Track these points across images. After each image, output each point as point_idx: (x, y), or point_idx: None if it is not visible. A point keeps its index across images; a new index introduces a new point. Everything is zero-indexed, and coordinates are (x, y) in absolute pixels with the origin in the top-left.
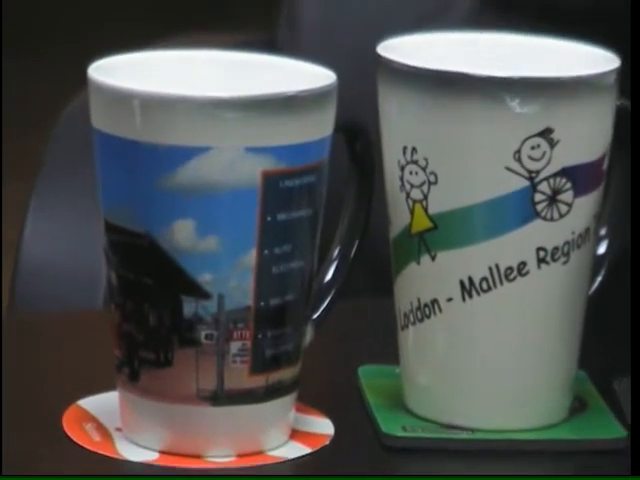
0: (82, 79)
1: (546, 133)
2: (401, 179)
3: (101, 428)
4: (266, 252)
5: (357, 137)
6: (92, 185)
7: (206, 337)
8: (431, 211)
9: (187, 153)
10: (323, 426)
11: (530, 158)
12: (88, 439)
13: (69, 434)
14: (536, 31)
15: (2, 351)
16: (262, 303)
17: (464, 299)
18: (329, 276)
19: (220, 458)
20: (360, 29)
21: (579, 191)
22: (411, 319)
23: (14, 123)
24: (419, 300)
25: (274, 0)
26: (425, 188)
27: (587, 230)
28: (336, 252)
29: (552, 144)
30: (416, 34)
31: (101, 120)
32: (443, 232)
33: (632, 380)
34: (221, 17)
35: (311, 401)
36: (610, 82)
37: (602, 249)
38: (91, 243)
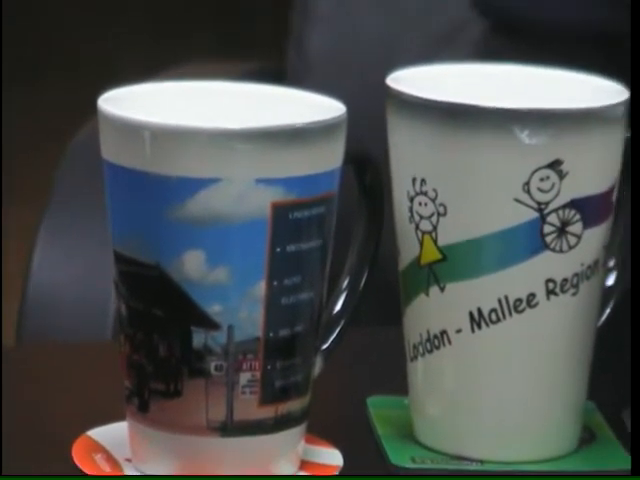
0: (88, 108)
1: (555, 165)
2: (410, 210)
3: (111, 459)
4: (275, 283)
5: (366, 168)
6: (101, 215)
7: (216, 368)
8: (440, 242)
9: (197, 184)
10: (332, 457)
11: (539, 190)
12: (98, 469)
13: (79, 464)
14: (544, 57)
15: (11, 381)
16: (271, 334)
17: (473, 330)
18: (338, 307)
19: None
20: (369, 60)
21: (588, 223)
22: (420, 350)
23: (16, 151)
24: (428, 331)
25: (284, 30)
26: (434, 219)
27: (596, 262)
28: (345, 283)
29: (561, 176)
30: (425, 65)
31: (111, 151)
32: (452, 263)
33: (632, 380)
34: (230, 45)
35: (320, 432)
36: (619, 114)
37: (611, 281)
38: (99, 274)
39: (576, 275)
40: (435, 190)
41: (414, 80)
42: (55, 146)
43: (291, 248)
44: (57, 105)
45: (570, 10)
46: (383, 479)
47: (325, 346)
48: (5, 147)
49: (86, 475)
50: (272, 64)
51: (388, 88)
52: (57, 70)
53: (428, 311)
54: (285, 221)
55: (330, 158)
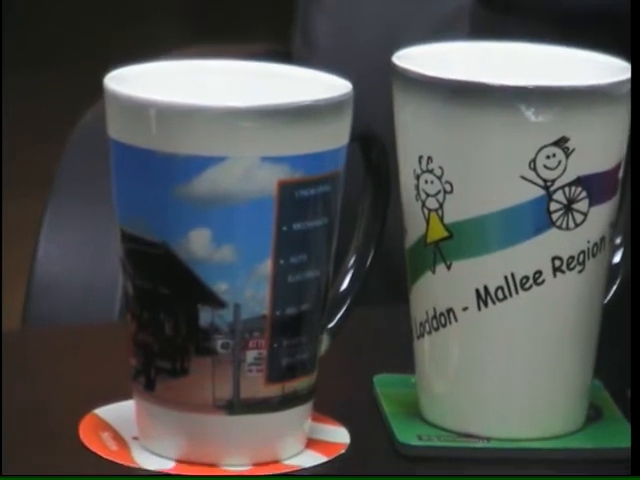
0: (93, 91)
1: (561, 142)
2: (417, 188)
3: (117, 437)
4: (282, 261)
5: (373, 146)
6: (107, 196)
7: (222, 346)
8: (447, 220)
9: (203, 163)
10: (339, 435)
11: (545, 167)
12: (104, 448)
13: (86, 443)
14: (548, 36)
15: (18, 363)
16: (278, 312)
17: (480, 308)
18: (345, 285)
19: (236, 467)
20: (374, 39)
21: (594, 200)
22: (427, 328)
23: (18, 137)
24: (435, 309)
25: (290, 12)
26: (440, 197)
27: (602, 239)
28: (352, 261)
29: (567, 153)
30: (431, 44)
31: (117, 130)
32: (459, 241)
33: (632, 381)
34: (237, 28)
35: (327, 410)
36: (625, 91)
37: (617, 258)
38: (107, 255)
39: (582, 252)
40: (441, 168)
41: (420, 58)
42: (56, 136)
43: (297, 226)
44: (59, 94)
45: None
46: (390, 478)
47: (331, 324)
48: (5, 138)
49: (90, 475)
50: (280, 46)
51: (394, 66)
52: (58, 58)
53: (434, 289)
54: (291, 199)
55: (336, 136)
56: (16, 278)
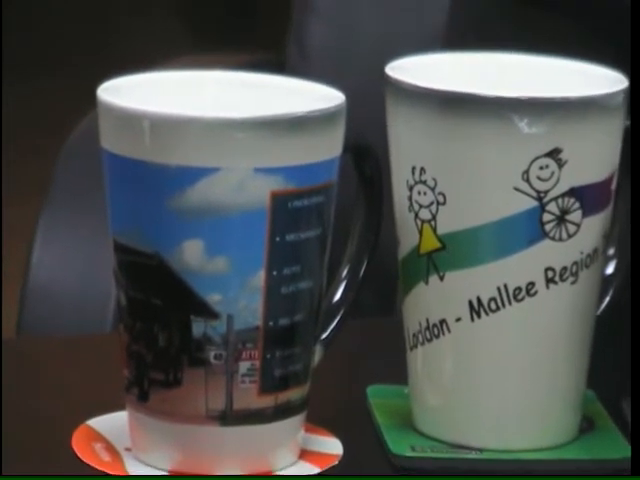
0: (92, 98)
1: (554, 153)
2: (410, 199)
3: (110, 448)
4: (275, 272)
5: (366, 157)
6: (101, 206)
7: (215, 357)
8: (440, 231)
9: (196, 174)
10: (332, 446)
11: (538, 178)
12: (97, 459)
13: (78, 454)
14: (541, 48)
15: (11, 372)
16: (271, 323)
17: (473, 319)
18: (338, 296)
19: (229, 478)
20: (367, 50)
21: (587, 211)
22: (420, 339)
23: (14, 146)
24: (428, 320)
25: (284, 22)
26: (434, 208)
27: (595, 250)
28: (345, 272)
29: (560, 164)
30: (424, 54)
31: (110, 141)
32: (452, 252)
33: (632, 381)
34: (231, 37)
35: (320, 421)
36: (618, 102)
37: (610, 269)
38: (100, 265)
39: (575, 263)
40: (434, 179)
41: (413, 69)
42: (54, 143)
43: (290, 237)
44: (57, 102)
45: None
46: (383, 479)
47: (325, 335)
48: (4, 145)
49: (86, 475)
50: (271, 56)
51: (387, 77)
52: (56, 67)
53: (427, 300)
54: (284, 210)
55: (329, 147)
56: (13, 286)
